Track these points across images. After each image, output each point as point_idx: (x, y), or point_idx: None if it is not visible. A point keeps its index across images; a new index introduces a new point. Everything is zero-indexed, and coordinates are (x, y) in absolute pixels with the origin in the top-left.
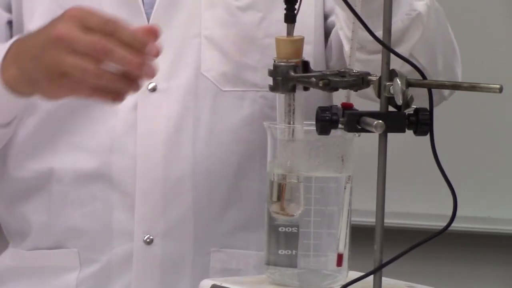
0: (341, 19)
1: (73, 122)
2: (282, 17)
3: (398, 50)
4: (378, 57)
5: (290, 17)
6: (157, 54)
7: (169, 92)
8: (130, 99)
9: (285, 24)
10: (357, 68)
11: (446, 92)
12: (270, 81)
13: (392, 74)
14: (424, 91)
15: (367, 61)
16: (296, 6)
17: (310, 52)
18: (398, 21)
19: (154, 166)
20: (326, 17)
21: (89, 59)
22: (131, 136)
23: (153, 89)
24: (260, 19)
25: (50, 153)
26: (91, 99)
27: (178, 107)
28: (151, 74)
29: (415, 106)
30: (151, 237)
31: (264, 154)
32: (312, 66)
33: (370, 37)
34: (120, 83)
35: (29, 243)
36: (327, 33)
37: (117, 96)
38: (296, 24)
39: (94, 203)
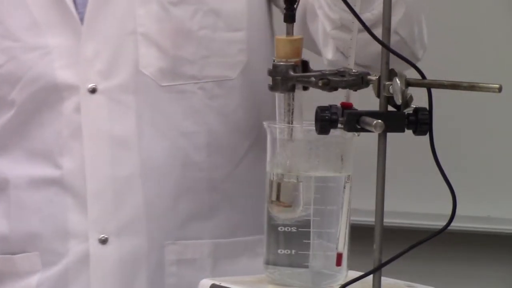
0: None
1: (25, 128)
2: (215, 7)
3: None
4: (360, 36)
5: (290, 17)
6: None
7: (110, 92)
8: (73, 102)
9: (220, 13)
10: (337, 46)
11: (420, 53)
12: (207, 71)
13: (391, 74)
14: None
15: (348, 40)
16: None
17: (243, 39)
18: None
19: (102, 167)
20: None
21: None
22: (78, 139)
23: (93, 90)
24: (193, 12)
25: (6, 160)
26: None
27: (120, 106)
28: None
29: (414, 106)
30: (105, 236)
31: (209, 142)
32: (246, 53)
33: (352, 17)
34: None
35: None
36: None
37: None
38: (226, 12)
39: (50, 207)
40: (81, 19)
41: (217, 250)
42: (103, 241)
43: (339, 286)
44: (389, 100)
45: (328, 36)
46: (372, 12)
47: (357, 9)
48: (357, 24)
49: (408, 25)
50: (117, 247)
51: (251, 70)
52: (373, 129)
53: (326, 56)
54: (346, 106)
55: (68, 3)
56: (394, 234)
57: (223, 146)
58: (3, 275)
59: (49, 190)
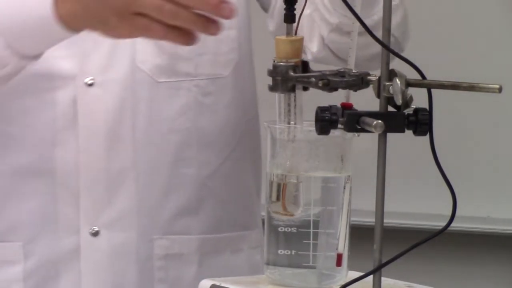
0: (318, 1)
1: (6, 111)
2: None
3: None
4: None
5: (290, 17)
6: None
7: (107, 85)
8: (69, 93)
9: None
10: (332, 48)
11: (406, 46)
12: (202, 68)
13: (391, 74)
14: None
15: (345, 43)
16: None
17: (234, 37)
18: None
19: (96, 159)
20: None
21: None
22: (73, 130)
23: (91, 83)
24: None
25: None
26: (164, 40)
27: (116, 100)
28: (229, 13)
29: (414, 106)
30: (96, 229)
31: (199, 139)
32: (237, 51)
33: (352, 20)
34: (197, 24)
35: None
36: (264, 7)
37: (190, 38)
38: None
39: (38, 198)
40: None
41: (203, 245)
42: (94, 234)
43: (339, 286)
44: (389, 100)
45: (315, 29)
46: (372, 18)
47: (357, 10)
48: (357, 24)
49: (403, 26)
50: (108, 239)
51: (241, 69)
52: (373, 130)
53: (311, 49)
54: (346, 106)
55: None
56: (394, 234)
57: (212, 143)
58: None
59: (38, 180)
